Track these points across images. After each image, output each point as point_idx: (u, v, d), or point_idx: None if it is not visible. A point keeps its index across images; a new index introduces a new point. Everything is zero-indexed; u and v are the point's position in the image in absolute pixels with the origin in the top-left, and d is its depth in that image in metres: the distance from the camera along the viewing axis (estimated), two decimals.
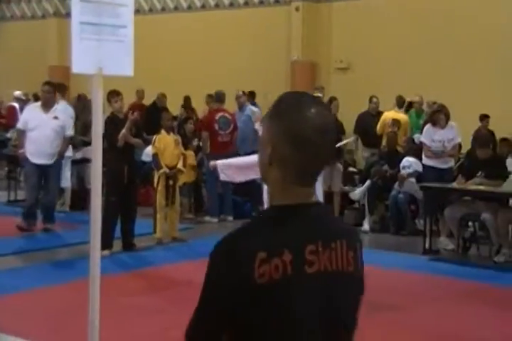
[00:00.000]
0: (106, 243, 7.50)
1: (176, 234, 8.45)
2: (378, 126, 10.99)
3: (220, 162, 6.27)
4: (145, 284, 6.57)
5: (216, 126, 10.07)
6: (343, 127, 11.21)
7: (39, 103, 8.95)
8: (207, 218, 10.02)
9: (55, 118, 8.58)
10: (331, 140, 1.62)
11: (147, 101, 12.90)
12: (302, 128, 1.55)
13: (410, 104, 11.48)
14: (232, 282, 1.50)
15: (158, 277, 6.89)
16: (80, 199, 9.97)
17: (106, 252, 7.48)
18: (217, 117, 10.20)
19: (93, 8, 2.29)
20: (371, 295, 5.90)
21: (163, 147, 8.34)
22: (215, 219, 9.96)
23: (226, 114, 10.32)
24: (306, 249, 1.53)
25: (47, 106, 8.63)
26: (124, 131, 7.45)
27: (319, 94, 11.40)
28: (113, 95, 7.73)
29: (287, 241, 1.52)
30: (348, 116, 11.51)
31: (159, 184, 8.26)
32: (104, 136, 8.30)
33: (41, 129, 8.48)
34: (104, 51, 2.35)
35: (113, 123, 7.59)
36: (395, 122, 10.42)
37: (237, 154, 10.08)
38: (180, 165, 8.43)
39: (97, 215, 2.53)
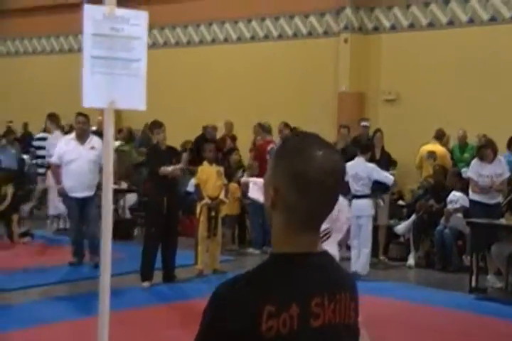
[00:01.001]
0: (146, 274, 7.55)
1: (217, 266, 8.41)
2: (416, 160, 10.87)
3: (252, 179, 6.21)
4: (182, 317, 6.52)
5: (268, 157, 10.14)
6: (390, 158, 11.04)
7: (73, 135, 8.69)
8: (250, 250, 9.99)
9: (92, 148, 8.35)
10: (339, 183, 1.54)
11: (192, 133, 12.95)
12: (309, 171, 1.48)
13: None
14: (236, 334, 1.44)
15: (195, 310, 6.83)
16: (118, 228, 10.07)
17: (146, 284, 7.52)
18: (269, 148, 10.26)
19: (105, 42, 2.29)
20: (416, 333, 5.79)
21: (206, 178, 8.35)
22: (258, 251, 9.91)
23: (275, 146, 10.43)
24: (313, 302, 1.49)
25: (82, 137, 8.46)
26: (180, 165, 7.44)
27: (366, 124, 11.35)
28: (156, 126, 7.80)
29: (295, 294, 1.47)
30: (395, 148, 11.38)
31: (201, 215, 8.26)
32: (146, 166, 8.48)
33: (79, 162, 8.28)
34: (116, 85, 2.34)
35: (155, 154, 7.66)
36: (431, 154, 10.27)
37: None
38: (222, 196, 8.43)
39: (107, 246, 2.48)
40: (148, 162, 8.07)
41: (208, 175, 8.38)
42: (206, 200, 8.24)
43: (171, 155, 7.85)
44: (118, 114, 16.27)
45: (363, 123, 11.40)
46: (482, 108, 11.83)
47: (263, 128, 10.57)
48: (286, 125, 10.98)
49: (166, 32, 16.68)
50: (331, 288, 1.54)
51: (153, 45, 16.03)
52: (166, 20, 15.50)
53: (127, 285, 7.41)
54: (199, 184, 8.35)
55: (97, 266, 8.42)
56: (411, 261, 9.30)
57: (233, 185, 9.58)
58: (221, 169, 8.69)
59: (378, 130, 11.01)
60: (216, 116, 13.34)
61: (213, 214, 8.29)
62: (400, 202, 10.89)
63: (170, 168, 7.51)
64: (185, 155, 7.49)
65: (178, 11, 15.94)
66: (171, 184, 7.70)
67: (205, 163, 8.54)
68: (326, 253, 1.59)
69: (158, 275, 7.79)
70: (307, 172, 1.48)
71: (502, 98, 11.75)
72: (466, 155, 10.73)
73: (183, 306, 7.02)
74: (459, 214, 9.09)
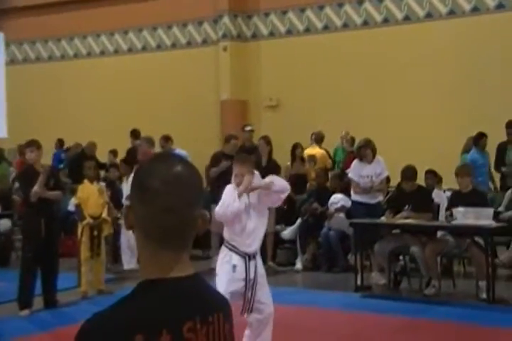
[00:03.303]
0: (24, 301, 7.18)
1: (102, 286, 8.17)
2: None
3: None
4: None
5: None
6: (277, 164, 11.06)
7: None
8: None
9: None
10: (184, 193, 1.50)
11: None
12: (148, 181, 1.49)
13: None
14: None
15: None
16: None
17: (26, 312, 7.15)
18: None
19: None
20: (304, 336, 5.78)
21: (87, 196, 8.12)
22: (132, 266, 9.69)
23: None
24: (184, 327, 1.46)
25: None
26: (36, 188, 7.13)
27: (250, 128, 11.37)
28: (27, 145, 7.46)
29: (165, 321, 1.43)
30: (279, 154, 11.46)
31: (83, 235, 8.02)
32: (19, 190, 8.12)
33: None
34: None
35: (27, 176, 7.34)
36: (311, 157, 10.43)
37: None
38: (104, 215, 8.21)
39: None
40: (20, 184, 7.74)
41: (89, 194, 8.15)
42: (88, 220, 8.01)
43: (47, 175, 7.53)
44: None
45: (247, 128, 11.42)
46: (363, 109, 12.16)
47: (147, 141, 10.38)
48: (166, 138, 10.82)
49: (25, 47, 16.18)
50: (203, 310, 1.51)
51: (11, 62, 15.60)
52: (25, 34, 15.07)
53: (5, 314, 7.07)
54: (80, 203, 8.11)
55: None
56: (298, 264, 9.39)
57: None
58: (102, 186, 8.46)
59: (263, 137, 11.06)
60: (92, 132, 13.04)
61: (96, 233, 8.05)
62: (285, 207, 10.92)
63: (35, 188, 7.19)
64: (41, 177, 7.14)
65: (38, 24, 15.51)
66: (47, 205, 7.39)
67: (86, 181, 8.30)
68: (195, 275, 1.54)
69: (39, 302, 7.45)
70: (146, 182, 1.49)
71: (382, 98, 12.11)
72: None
73: (69, 331, 6.71)
74: (342, 215, 9.26)
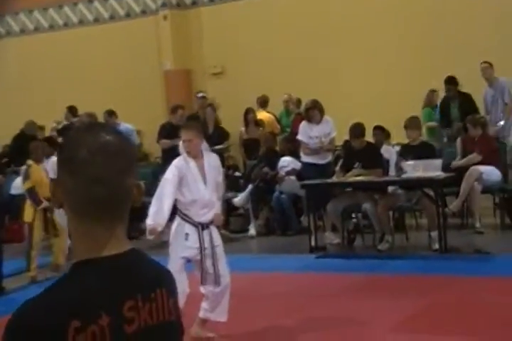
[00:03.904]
0: None
1: (63, 261, 7.88)
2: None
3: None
4: None
5: None
6: (224, 132, 10.87)
7: None
8: None
9: None
10: (114, 162, 1.39)
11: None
12: (74, 149, 1.39)
13: None
14: None
15: None
16: None
17: None
18: None
19: None
20: (262, 302, 5.65)
21: (40, 179, 7.71)
22: None
23: None
24: (125, 306, 1.36)
25: None
26: None
27: (203, 94, 11.14)
28: None
29: (103, 303, 1.33)
30: (227, 120, 11.27)
31: (35, 219, 7.67)
32: None
33: None
34: None
35: None
36: (259, 122, 10.27)
37: None
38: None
39: None
40: None
41: (41, 176, 7.78)
42: (45, 203, 7.63)
43: None
44: None
45: (199, 95, 11.19)
46: (308, 70, 11.98)
47: (88, 118, 10.07)
48: (110, 113, 10.51)
49: None
50: (145, 287, 1.42)
51: None
52: None
53: None
54: (34, 186, 7.70)
55: None
56: (252, 230, 9.25)
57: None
58: (45, 166, 8.10)
59: (209, 104, 10.84)
60: (34, 109, 12.62)
61: (49, 214, 7.75)
62: (237, 174, 10.78)
63: None
64: None
65: None
66: None
67: (32, 162, 7.85)
68: (132, 251, 1.43)
69: None
70: (72, 153, 1.39)
71: (326, 55, 11.94)
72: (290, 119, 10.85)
73: None
74: (293, 177, 9.12)
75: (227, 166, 10.44)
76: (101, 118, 10.73)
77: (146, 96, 13.45)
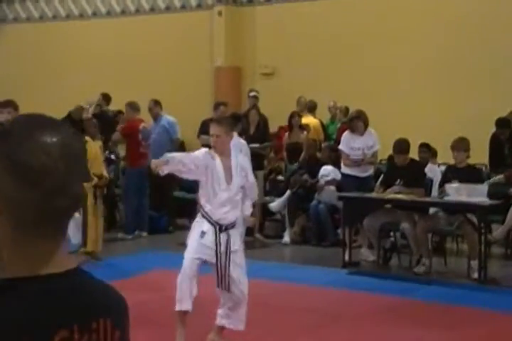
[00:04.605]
0: None
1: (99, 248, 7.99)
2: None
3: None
4: None
5: (140, 137, 9.68)
6: (268, 133, 10.75)
7: None
8: (120, 235, 9.51)
9: None
10: (75, 170, 1.21)
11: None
12: (30, 153, 1.16)
13: None
14: None
15: None
16: None
17: None
18: (140, 127, 9.80)
19: None
20: (286, 314, 5.54)
21: (94, 156, 7.71)
22: (130, 236, 9.47)
23: (146, 125, 10.03)
24: (56, 337, 1.16)
25: None
26: None
27: (254, 94, 11.05)
28: (5, 105, 7.10)
29: (28, 331, 1.13)
30: (275, 122, 11.13)
31: (88, 198, 7.66)
32: None
33: None
34: None
35: None
36: (304, 126, 10.11)
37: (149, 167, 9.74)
38: (105, 173, 8.05)
39: None
40: None
41: (95, 152, 7.82)
42: (95, 180, 7.66)
43: None
44: None
45: (252, 94, 11.08)
46: (361, 78, 11.78)
47: (131, 107, 10.03)
48: (156, 102, 10.47)
49: (16, 6, 15.70)
50: (84, 315, 1.21)
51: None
52: None
53: None
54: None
55: None
56: (286, 238, 9.13)
57: None
58: (101, 145, 8.33)
59: (253, 106, 10.73)
60: (83, 96, 12.62)
61: (98, 193, 7.81)
62: (279, 178, 10.65)
63: None
64: None
65: None
66: None
67: (89, 139, 7.86)
68: (74, 271, 1.24)
69: None
70: (28, 159, 1.16)
71: (377, 69, 11.74)
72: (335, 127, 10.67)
73: None
74: (332, 188, 8.96)
75: (270, 169, 10.33)
76: (144, 109, 10.68)
77: (194, 91, 13.39)
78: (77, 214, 9.14)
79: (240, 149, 6.94)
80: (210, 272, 4.94)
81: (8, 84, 14.43)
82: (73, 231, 8.32)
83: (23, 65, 14.99)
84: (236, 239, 4.89)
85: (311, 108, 11.11)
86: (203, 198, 4.84)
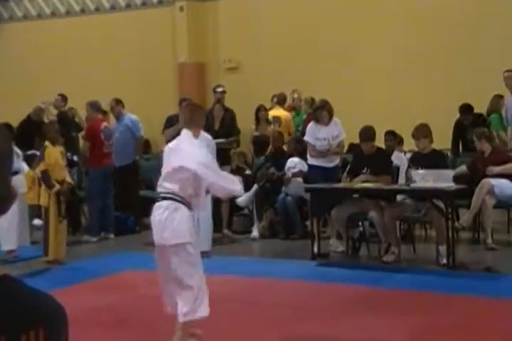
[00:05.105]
0: None
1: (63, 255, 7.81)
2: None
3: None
4: None
5: (102, 136, 9.49)
6: (234, 127, 10.59)
7: None
8: (85, 237, 9.31)
9: None
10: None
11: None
12: None
13: None
14: None
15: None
16: None
17: None
18: (102, 127, 9.60)
19: None
20: (257, 309, 5.40)
21: (54, 161, 7.65)
22: (95, 238, 9.27)
23: (108, 124, 9.84)
24: None
25: None
26: None
27: (222, 89, 10.88)
28: None
29: None
30: (241, 116, 10.98)
31: (50, 203, 7.52)
32: None
33: None
34: None
35: None
36: (276, 119, 9.97)
37: (113, 166, 9.56)
38: (68, 179, 7.87)
39: None
40: None
41: (56, 158, 7.72)
42: (57, 187, 7.56)
43: None
44: None
45: (219, 89, 10.92)
46: (323, 70, 11.70)
47: (92, 106, 9.82)
48: (118, 101, 10.26)
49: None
50: (12, 328, 1.13)
51: None
52: None
53: None
54: (47, 170, 7.59)
55: None
56: (255, 232, 8.99)
57: None
58: (63, 149, 8.12)
59: (217, 101, 10.58)
60: (46, 95, 12.37)
61: (62, 198, 7.62)
62: (247, 172, 10.50)
63: None
64: None
65: None
66: None
67: (49, 144, 7.77)
68: (4, 279, 1.16)
69: None
70: None
71: (341, 55, 11.65)
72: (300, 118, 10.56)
73: None
74: (299, 180, 8.84)
75: (236, 165, 10.18)
76: (106, 107, 10.50)
77: (158, 87, 13.22)
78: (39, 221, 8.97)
79: (207, 144, 6.77)
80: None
81: None
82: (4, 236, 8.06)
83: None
84: None
85: (281, 101, 10.98)
86: None
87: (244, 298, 6.22)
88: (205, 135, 7.80)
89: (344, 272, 7.11)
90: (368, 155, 7.66)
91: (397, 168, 8.03)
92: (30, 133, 10.05)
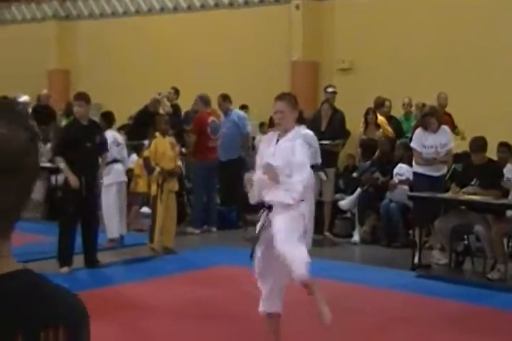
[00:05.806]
0: (64, 259, 7.06)
1: (171, 243, 8.16)
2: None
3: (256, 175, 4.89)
4: (105, 305, 5.98)
5: (208, 130, 9.67)
6: (343, 129, 10.48)
7: None
8: (189, 229, 9.52)
9: None
10: (9, 166, 1.10)
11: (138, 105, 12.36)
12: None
13: None
14: None
15: (119, 297, 6.39)
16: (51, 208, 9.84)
17: (65, 269, 7.02)
18: (209, 121, 9.78)
19: None
20: (350, 317, 5.38)
21: (162, 151, 8.01)
22: (198, 230, 9.47)
23: (216, 119, 9.97)
24: None
25: None
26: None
27: (332, 89, 10.83)
28: (76, 98, 7.25)
29: None
30: (350, 118, 10.89)
31: (158, 192, 7.85)
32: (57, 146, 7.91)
33: None
34: None
35: (69, 132, 7.11)
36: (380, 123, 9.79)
37: (219, 160, 9.71)
38: (177, 168, 8.25)
39: None
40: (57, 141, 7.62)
41: (164, 148, 8.05)
42: (158, 169, 7.87)
43: (93, 130, 7.30)
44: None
45: (329, 90, 10.88)
46: (440, 74, 11.38)
47: (202, 100, 10.00)
48: (225, 97, 10.38)
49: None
50: (31, 324, 1.07)
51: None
52: None
53: (46, 270, 6.95)
54: (148, 156, 7.95)
55: None
56: (356, 237, 8.90)
57: None
58: (173, 140, 8.40)
59: (326, 101, 10.51)
60: (160, 89, 12.73)
61: (165, 185, 7.93)
62: (355, 175, 10.39)
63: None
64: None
65: None
66: (89, 162, 7.13)
67: (158, 135, 8.15)
68: (19, 273, 1.10)
69: (80, 260, 7.30)
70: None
71: (460, 63, 11.31)
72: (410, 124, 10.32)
73: (106, 293, 6.56)
74: (405, 187, 8.66)
75: (345, 166, 10.14)
76: (215, 102, 10.66)
77: (269, 85, 13.25)
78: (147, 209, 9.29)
79: (309, 144, 6.67)
80: None
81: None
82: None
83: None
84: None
85: (378, 104, 10.76)
86: None
87: (341, 303, 6.16)
88: (309, 134, 7.77)
89: (445, 286, 6.93)
90: (478, 167, 7.41)
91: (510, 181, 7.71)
92: (145, 123, 10.35)
